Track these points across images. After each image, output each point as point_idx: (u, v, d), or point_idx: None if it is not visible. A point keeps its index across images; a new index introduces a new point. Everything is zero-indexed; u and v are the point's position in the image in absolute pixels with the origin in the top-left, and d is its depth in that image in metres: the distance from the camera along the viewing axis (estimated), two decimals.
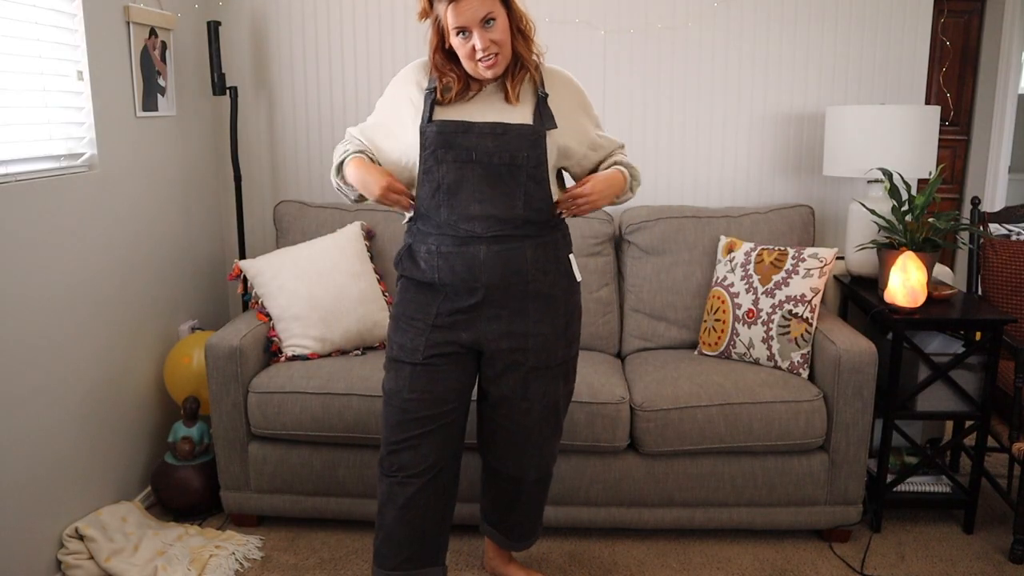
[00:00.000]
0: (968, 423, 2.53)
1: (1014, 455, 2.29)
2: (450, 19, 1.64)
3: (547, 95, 1.77)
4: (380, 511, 1.88)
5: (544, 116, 1.75)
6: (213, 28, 2.82)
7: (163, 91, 2.66)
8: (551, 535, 2.43)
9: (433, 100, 1.74)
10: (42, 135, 2.14)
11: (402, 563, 1.88)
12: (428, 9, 1.69)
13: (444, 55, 1.73)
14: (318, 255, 2.59)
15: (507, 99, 1.74)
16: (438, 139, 1.72)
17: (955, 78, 4.42)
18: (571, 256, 1.89)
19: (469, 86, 1.75)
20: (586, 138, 1.85)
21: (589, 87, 1.94)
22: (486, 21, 1.64)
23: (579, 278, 1.90)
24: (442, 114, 1.74)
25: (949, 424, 2.88)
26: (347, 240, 2.66)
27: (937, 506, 2.54)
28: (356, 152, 1.78)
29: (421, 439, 1.82)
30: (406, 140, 1.78)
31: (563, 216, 1.82)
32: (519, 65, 1.74)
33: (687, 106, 3.02)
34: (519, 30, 1.71)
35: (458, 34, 1.65)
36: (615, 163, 1.87)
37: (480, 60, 1.67)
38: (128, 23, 2.45)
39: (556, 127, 1.76)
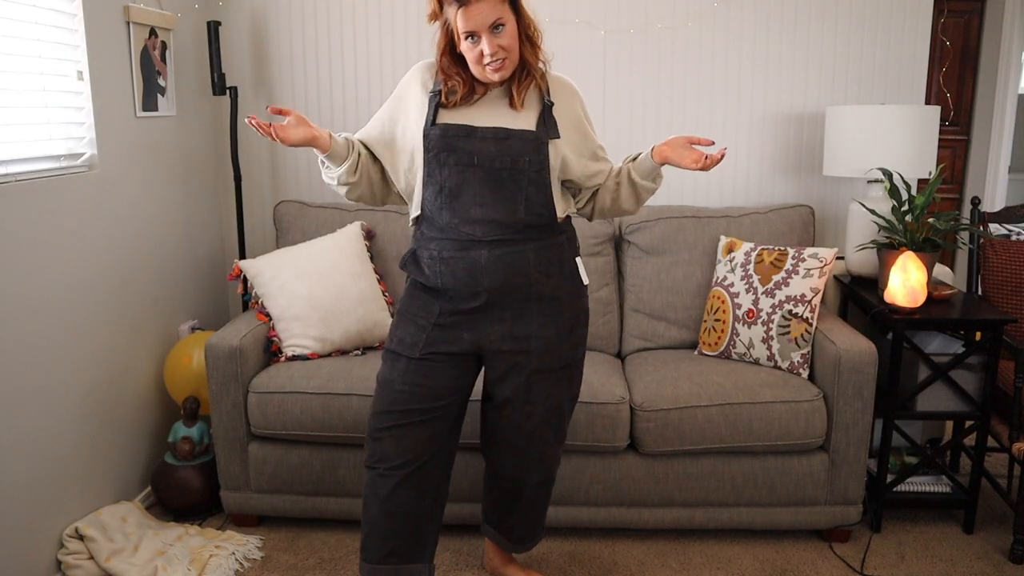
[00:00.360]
0: (968, 423, 2.54)
1: (1014, 455, 2.29)
2: (460, 23, 1.64)
3: (552, 103, 1.77)
4: (365, 504, 1.89)
5: (548, 124, 1.75)
6: (213, 28, 2.82)
7: (163, 91, 2.66)
8: (551, 535, 2.43)
9: (437, 103, 1.75)
10: (42, 135, 2.14)
11: (386, 557, 1.87)
12: (438, 12, 1.69)
13: (451, 58, 1.73)
14: (318, 255, 2.59)
15: (512, 104, 1.75)
16: (441, 142, 1.72)
17: (955, 78, 4.43)
18: (578, 259, 1.88)
19: (474, 89, 1.75)
20: (587, 148, 1.85)
21: (589, 87, 1.95)
22: (495, 27, 1.64)
23: (586, 281, 1.90)
24: (446, 117, 1.75)
25: (949, 424, 2.89)
26: (347, 240, 2.66)
27: (937, 506, 2.54)
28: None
29: (404, 430, 1.82)
30: (409, 141, 1.79)
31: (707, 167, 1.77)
32: (526, 71, 1.74)
33: (687, 106, 3.02)
34: (527, 37, 1.72)
35: (467, 38, 1.66)
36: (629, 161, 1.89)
37: (487, 64, 1.67)
38: (128, 23, 2.45)
39: (559, 137, 1.77)
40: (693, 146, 1.78)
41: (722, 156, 1.74)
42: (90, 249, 2.30)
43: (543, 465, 1.98)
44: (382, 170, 1.87)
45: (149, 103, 2.57)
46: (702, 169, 1.75)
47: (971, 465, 2.46)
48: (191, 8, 2.86)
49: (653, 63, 2.99)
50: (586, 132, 1.85)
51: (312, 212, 2.82)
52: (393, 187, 1.89)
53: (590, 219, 1.99)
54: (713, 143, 1.77)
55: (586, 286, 1.91)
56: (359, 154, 1.82)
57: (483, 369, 1.93)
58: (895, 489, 2.48)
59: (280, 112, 1.69)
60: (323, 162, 1.82)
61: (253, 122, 1.66)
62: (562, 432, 1.98)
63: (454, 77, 1.74)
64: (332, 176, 1.83)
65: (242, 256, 3.01)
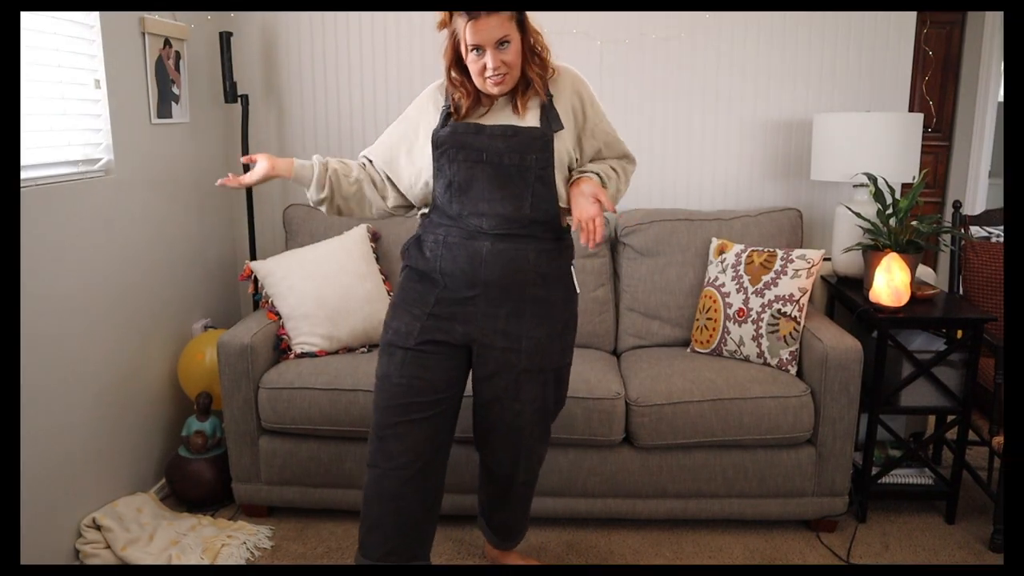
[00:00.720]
0: (950, 418, 2.56)
1: (994, 448, 2.34)
2: (468, 36, 1.67)
3: (552, 96, 1.81)
4: (366, 502, 1.88)
5: (551, 118, 1.79)
6: (225, 39, 2.87)
7: (177, 99, 2.71)
8: (550, 525, 2.48)
9: (448, 115, 1.80)
10: (61, 141, 2.18)
11: (386, 555, 1.87)
12: (447, 20, 1.73)
13: (458, 69, 1.77)
14: (326, 257, 2.64)
15: (515, 112, 1.79)
16: (451, 139, 1.77)
17: (937, 86, 4.49)
18: (572, 268, 1.93)
19: (480, 101, 1.80)
20: (572, 136, 1.83)
21: None
22: (501, 43, 1.68)
23: (578, 290, 1.94)
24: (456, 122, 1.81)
25: (932, 419, 2.94)
26: (354, 242, 2.71)
27: (920, 497, 2.57)
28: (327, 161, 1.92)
29: (409, 427, 1.82)
30: (421, 160, 1.84)
31: (597, 245, 1.75)
32: (529, 86, 1.78)
33: (680, 114, 3.07)
34: (534, 53, 1.75)
35: (472, 51, 1.70)
36: (587, 171, 1.84)
37: (489, 78, 1.71)
38: (143, 34, 2.50)
39: (563, 128, 1.79)
40: (593, 201, 1.73)
41: (599, 243, 1.72)
42: (107, 251, 2.34)
43: (531, 463, 2.01)
44: (369, 186, 1.93)
45: (163, 110, 2.62)
46: (577, 227, 1.74)
47: (953, 458, 2.51)
48: (204, 19, 2.91)
49: (648, 72, 3.04)
50: (582, 121, 1.84)
51: (320, 215, 2.85)
52: (373, 206, 1.94)
53: None
54: (615, 212, 1.93)
55: (577, 294, 1.94)
56: (326, 169, 1.88)
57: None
58: (880, 481, 2.53)
59: (251, 160, 1.86)
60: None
61: (220, 183, 1.86)
62: (548, 432, 2.01)
63: (459, 88, 1.78)
64: (308, 197, 1.92)
65: (253, 257, 3.05)
